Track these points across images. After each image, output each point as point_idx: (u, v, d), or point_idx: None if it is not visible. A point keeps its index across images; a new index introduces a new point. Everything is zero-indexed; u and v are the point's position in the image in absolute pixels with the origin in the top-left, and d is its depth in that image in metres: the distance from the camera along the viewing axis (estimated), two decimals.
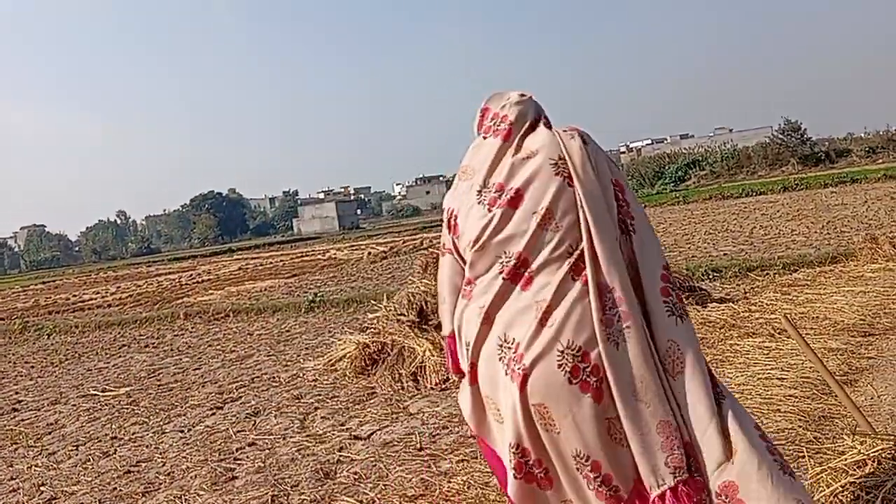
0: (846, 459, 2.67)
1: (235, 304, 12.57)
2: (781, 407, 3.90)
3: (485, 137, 1.90)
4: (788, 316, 5.66)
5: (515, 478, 1.70)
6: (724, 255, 10.30)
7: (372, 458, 4.08)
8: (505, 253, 1.76)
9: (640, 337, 1.63)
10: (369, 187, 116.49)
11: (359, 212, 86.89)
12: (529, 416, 1.66)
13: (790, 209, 16.75)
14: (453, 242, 1.90)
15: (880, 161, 34.37)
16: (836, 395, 3.12)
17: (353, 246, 27.78)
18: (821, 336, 5.17)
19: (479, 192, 1.83)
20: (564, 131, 1.84)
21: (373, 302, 8.23)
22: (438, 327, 5.98)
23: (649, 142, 59.58)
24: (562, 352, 1.63)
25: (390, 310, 6.29)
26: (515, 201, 1.76)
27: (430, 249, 11.44)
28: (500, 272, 1.76)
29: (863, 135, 43.31)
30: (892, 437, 2.50)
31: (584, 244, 1.68)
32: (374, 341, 6.05)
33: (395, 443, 4.31)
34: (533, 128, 1.88)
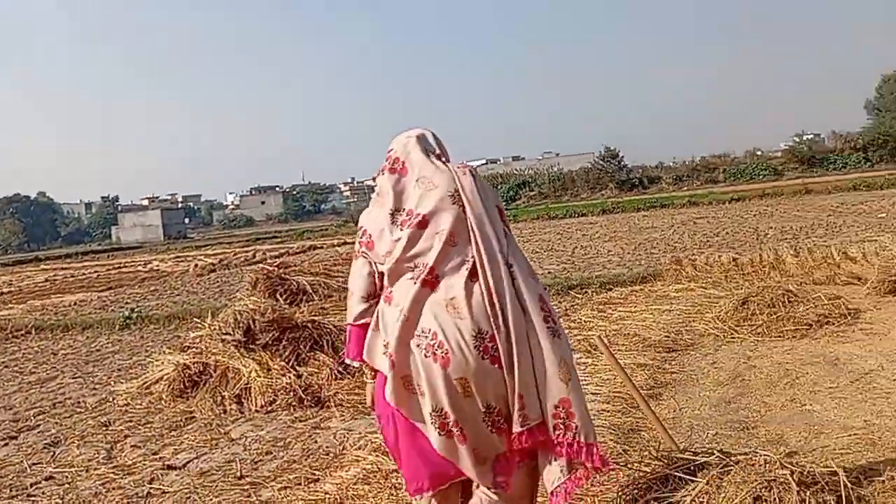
0: (650, 475, 2.87)
1: (39, 319, 11.39)
2: (595, 421, 4.11)
3: (392, 173, 2.40)
4: (601, 336, 6.04)
5: (440, 435, 2.21)
6: (549, 273, 10.85)
7: (186, 490, 3.82)
8: (417, 264, 2.28)
9: (518, 322, 2.20)
10: (199, 195, 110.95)
11: (187, 220, 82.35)
12: (452, 387, 2.18)
13: (608, 230, 18.04)
14: (366, 254, 2.40)
15: (685, 188, 38.05)
16: (642, 410, 3.34)
17: (178, 257, 26.26)
18: (631, 352, 5.55)
19: (392, 215, 2.34)
20: (459, 167, 2.38)
21: (196, 319, 7.78)
22: (266, 347, 5.76)
23: (484, 161, 61.92)
24: (474, 336, 2.18)
25: (215, 328, 5.97)
26: (423, 224, 2.28)
27: (262, 265, 11.06)
28: (415, 279, 2.26)
29: (672, 164, 47.67)
30: (690, 454, 2.71)
31: (475, 257, 2.24)
32: (195, 362, 5.71)
33: (213, 472, 4.07)
34: (432, 160, 2.40)
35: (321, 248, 24.26)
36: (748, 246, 11.78)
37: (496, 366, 2.18)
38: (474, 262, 2.25)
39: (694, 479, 2.51)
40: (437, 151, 2.45)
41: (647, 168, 46.28)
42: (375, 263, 2.37)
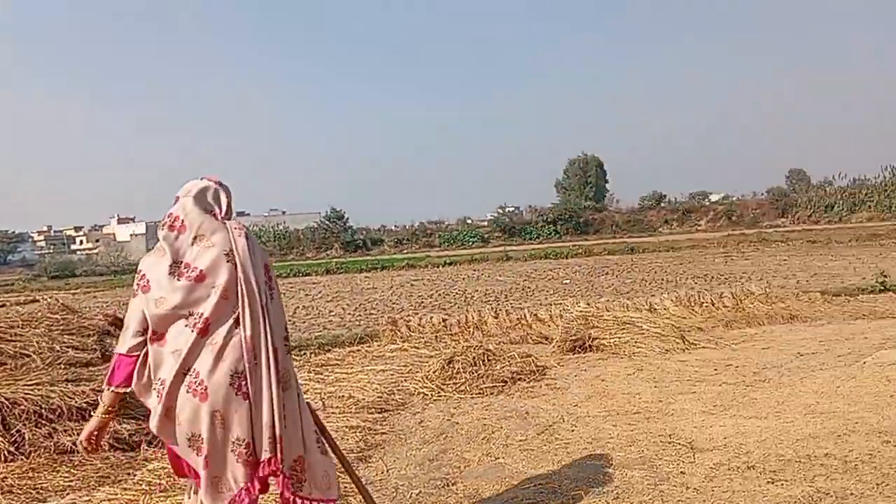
0: None
1: None
2: None
3: (171, 230, 2.66)
4: (311, 403, 5.99)
5: (198, 456, 2.53)
6: None
7: None
8: (193, 313, 2.57)
9: (268, 365, 2.58)
10: None
11: None
12: (210, 418, 2.51)
13: (331, 290, 18.19)
14: (142, 296, 2.61)
15: (405, 251, 40.04)
16: (348, 475, 3.33)
17: None
18: (345, 414, 5.56)
19: (171, 267, 2.60)
20: (235, 228, 2.69)
21: None
22: None
23: None
24: (231, 376, 2.53)
25: None
26: (201, 279, 2.59)
27: None
28: (191, 327, 2.56)
29: (394, 227, 49.99)
30: None
31: (241, 309, 2.58)
32: None
33: None
34: (210, 218, 2.68)
35: (1, 305, 20.97)
36: (457, 307, 12.65)
37: (247, 402, 2.55)
38: (238, 314, 2.59)
39: None
40: (215, 209, 2.73)
41: (371, 230, 47.99)
42: (149, 305, 2.59)
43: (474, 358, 6.62)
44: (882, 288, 11.25)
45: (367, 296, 16.30)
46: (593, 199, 59.04)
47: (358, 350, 8.61)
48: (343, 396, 6.15)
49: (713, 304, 10.12)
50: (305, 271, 26.53)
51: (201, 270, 2.59)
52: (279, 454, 2.55)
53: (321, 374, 7.24)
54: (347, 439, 4.91)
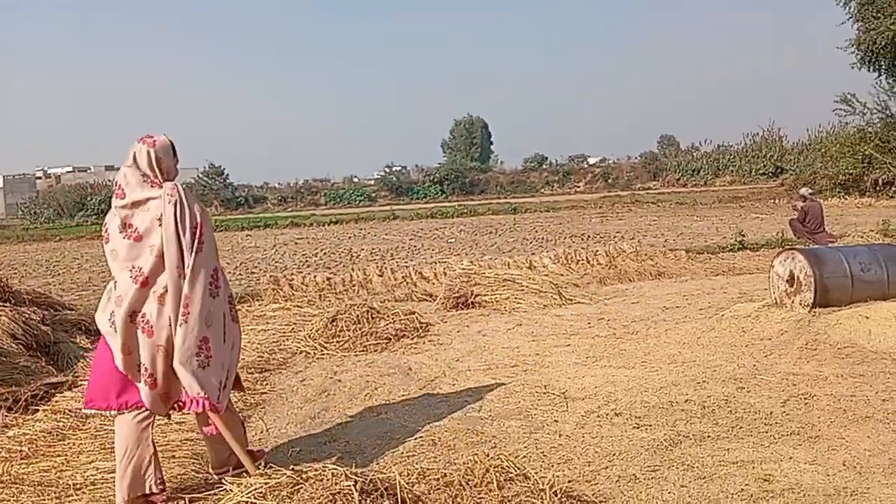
0: (231, 500, 2.76)
1: None
2: (177, 453, 3.87)
3: (117, 197, 3.20)
4: None
5: (146, 385, 3.13)
6: None
7: None
8: (134, 267, 3.12)
9: (185, 309, 3.10)
10: None
11: None
12: (158, 352, 3.11)
13: None
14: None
15: (290, 209, 39.09)
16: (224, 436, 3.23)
17: None
18: None
19: (120, 224, 3.16)
20: (167, 195, 3.13)
21: None
22: None
23: (71, 169, 55.16)
24: (169, 317, 3.09)
25: None
26: (139, 238, 3.13)
27: None
28: (134, 280, 3.11)
29: (277, 185, 48.58)
30: (264, 475, 2.68)
31: (167, 266, 3.10)
32: None
33: None
34: (145, 185, 3.17)
35: None
36: (342, 266, 12.51)
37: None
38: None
39: (265, 502, 2.48)
40: (150, 176, 3.20)
41: (253, 188, 46.44)
42: (108, 254, 3.20)
43: (358, 316, 6.57)
44: (740, 246, 12.10)
45: (248, 254, 15.80)
46: (478, 160, 59.80)
47: (239, 310, 8.32)
48: None
49: (588, 262, 10.54)
50: None
51: (139, 232, 3.14)
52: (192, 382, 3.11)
53: None
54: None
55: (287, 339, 6.63)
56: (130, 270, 3.11)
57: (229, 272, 12.61)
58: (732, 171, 44.97)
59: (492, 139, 68.93)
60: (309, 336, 6.41)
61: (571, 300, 8.04)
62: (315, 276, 10.01)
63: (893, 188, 25.25)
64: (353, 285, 9.64)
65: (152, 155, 3.20)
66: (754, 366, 4.94)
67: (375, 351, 6.10)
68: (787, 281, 5.86)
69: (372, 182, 49.50)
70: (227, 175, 43.09)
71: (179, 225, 3.10)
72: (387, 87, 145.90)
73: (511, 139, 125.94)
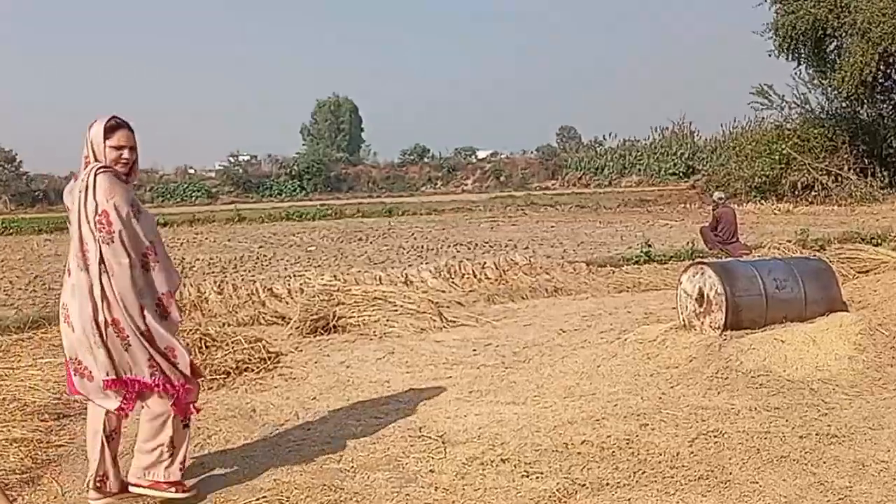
0: None
1: None
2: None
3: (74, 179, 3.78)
4: None
5: (75, 375, 3.74)
6: None
7: None
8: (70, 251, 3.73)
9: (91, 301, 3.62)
10: None
11: None
12: (78, 340, 3.67)
13: None
14: None
15: None
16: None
17: None
18: (6, 424, 5.03)
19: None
20: (82, 179, 3.63)
21: None
22: None
23: None
24: (77, 309, 3.65)
25: None
26: (70, 222, 3.70)
27: None
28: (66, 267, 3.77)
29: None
30: None
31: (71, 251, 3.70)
32: None
33: None
34: (81, 166, 3.72)
35: None
36: None
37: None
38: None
39: None
40: (84, 157, 3.71)
41: (55, 178, 43.92)
42: None
43: (188, 345, 6.32)
44: (647, 258, 12.69)
45: (46, 265, 14.91)
46: (346, 150, 59.65)
47: (30, 337, 7.84)
48: (5, 400, 5.55)
49: (475, 276, 10.71)
50: None
51: (69, 217, 3.70)
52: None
53: None
54: (7, 456, 4.45)
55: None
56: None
57: (20, 288, 11.88)
58: (640, 169, 47.33)
59: (363, 125, 68.99)
60: None
61: (454, 322, 8.12)
62: None
63: (813, 192, 27.36)
64: (185, 305, 9.29)
65: (85, 137, 3.71)
66: (659, 398, 5.17)
67: (210, 388, 5.89)
68: (696, 300, 6.19)
69: (212, 174, 48.15)
70: (21, 163, 40.67)
71: (82, 212, 3.57)
72: (234, 56, 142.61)
73: (386, 126, 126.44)
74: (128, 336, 3.62)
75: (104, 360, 3.63)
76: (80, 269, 3.60)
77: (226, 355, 6.36)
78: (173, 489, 3.83)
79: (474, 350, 6.95)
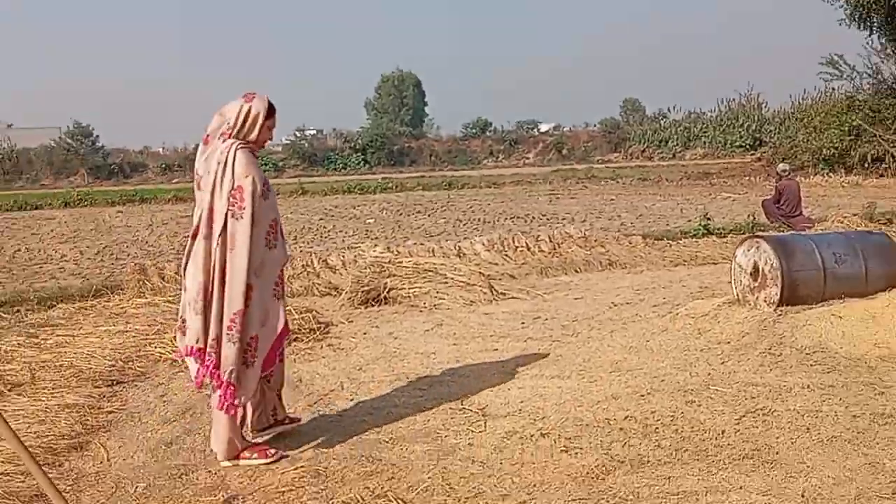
0: None
1: None
2: None
3: (203, 143, 3.87)
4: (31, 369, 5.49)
5: (178, 332, 4.01)
6: None
7: None
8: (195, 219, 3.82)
9: (199, 262, 3.76)
10: None
11: None
12: (188, 303, 3.84)
13: (68, 229, 16.85)
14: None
15: (175, 180, 38.05)
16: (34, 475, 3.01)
17: None
18: (60, 390, 5.13)
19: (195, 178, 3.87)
20: (220, 151, 3.73)
21: None
22: None
23: None
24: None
25: None
26: (199, 187, 3.81)
27: None
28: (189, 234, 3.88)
29: (161, 150, 47.18)
30: None
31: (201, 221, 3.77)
32: None
33: None
34: (218, 139, 3.80)
35: None
36: None
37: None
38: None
39: None
40: (228, 129, 3.79)
41: (131, 152, 44.96)
42: None
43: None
44: (705, 231, 12.34)
45: (116, 236, 15.26)
46: (410, 124, 59.55)
47: (92, 306, 7.99)
48: (62, 366, 5.66)
49: (528, 249, 10.55)
50: (36, 203, 24.23)
51: (199, 182, 3.80)
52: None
53: (37, 336, 6.61)
54: (59, 423, 4.52)
55: (150, 344, 6.35)
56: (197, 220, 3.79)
57: (89, 258, 12.16)
58: (705, 142, 46.05)
59: (426, 100, 68.79)
60: (175, 339, 6.16)
61: (504, 295, 8.02)
62: None
63: (884, 165, 26.26)
64: None
65: (241, 111, 3.81)
66: (708, 374, 4.99)
67: None
68: (751, 274, 5.95)
69: (279, 148, 48.64)
70: (97, 137, 41.70)
71: (218, 184, 3.67)
72: (300, 33, 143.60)
73: (449, 100, 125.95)
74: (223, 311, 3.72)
75: (197, 327, 3.74)
76: (204, 237, 3.71)
77: None
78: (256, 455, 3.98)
79: (522, 323, 6.83)
